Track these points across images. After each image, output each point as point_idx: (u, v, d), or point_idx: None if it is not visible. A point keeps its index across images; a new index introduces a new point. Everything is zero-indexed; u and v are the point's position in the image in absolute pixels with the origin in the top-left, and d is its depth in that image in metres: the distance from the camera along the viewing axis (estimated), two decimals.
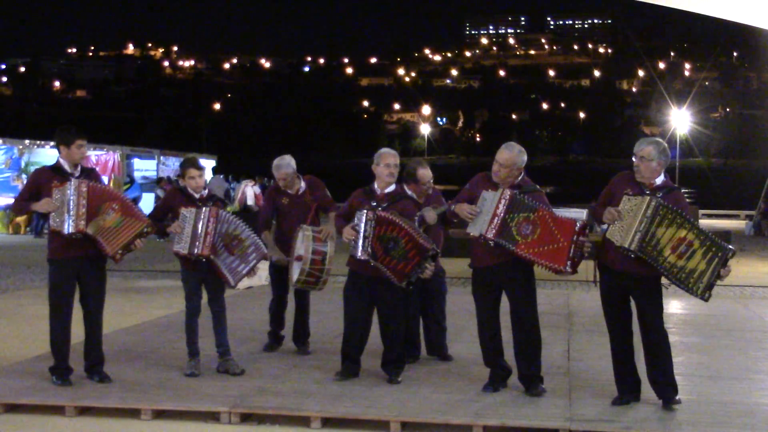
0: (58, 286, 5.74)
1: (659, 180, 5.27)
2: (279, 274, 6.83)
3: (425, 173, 6.42)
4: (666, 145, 5.32)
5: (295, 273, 6.43)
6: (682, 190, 5.32)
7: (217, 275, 6.03)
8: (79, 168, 5.81)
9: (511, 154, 5.48)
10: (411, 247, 5.60)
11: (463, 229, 5.74)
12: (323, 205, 6.89)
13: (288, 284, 6.78)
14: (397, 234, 5.61)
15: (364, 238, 5.66)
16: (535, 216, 5.29)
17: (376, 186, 5.97)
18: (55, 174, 5.72)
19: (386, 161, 5.91)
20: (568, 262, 5.28)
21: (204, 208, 5.91)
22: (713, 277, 4.97)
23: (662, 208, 4.99)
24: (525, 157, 5.54)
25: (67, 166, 5.76)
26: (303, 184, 6.87)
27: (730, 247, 5.03)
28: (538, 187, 5.64)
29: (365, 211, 5.73)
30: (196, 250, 5.85)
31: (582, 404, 5.32)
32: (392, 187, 5.96)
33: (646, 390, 5.38)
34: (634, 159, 5.29)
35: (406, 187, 6.38)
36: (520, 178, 5.56)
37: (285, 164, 6.77)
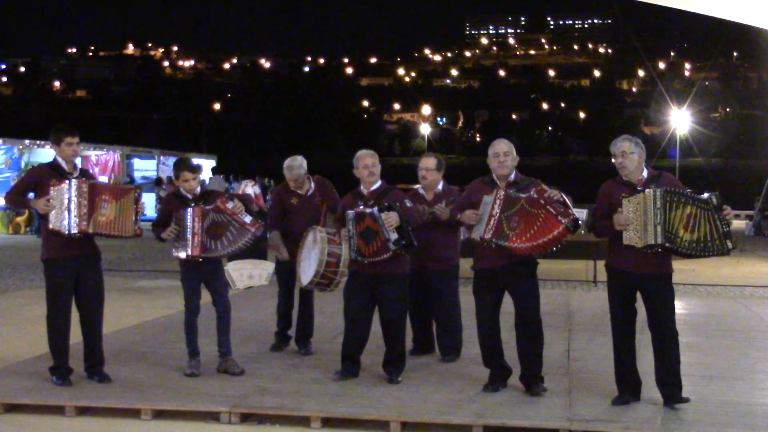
0: (57, 286, 5.72)
1: (645, 174, 5.32)
2: (286, 273, 6.83)
3: (424, 162, 6.54)
4: (638, 139, 5.36)
5: (306, 274, 6.42)
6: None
7: (219, 275, 6.07)
8: (78, 168, 5.82)
9: (507, 143, 5.65)
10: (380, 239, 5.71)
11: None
12: (333, 206, 6.91)
13: (292, 284, 6.79)
14: (369, 225, 5.69)
15: (349, 238, 5.77)
16: (518, 207, 5.33)
17: (362, 187, 6.02)
18: (53, 172, 5.71)
19: (364, 162, 5.98)
20: (560, 218, 5.18)
21: (188, 209, 5.92)
22: (722, 227, 5.03)
23: (667, 194, 5.04)
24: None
25: (64, 165, 5.76)
26: (312, 185, 6.89)
27: (709, 195, 5.09)
28: (533, 179, 5.65)
29: (350, 211, 5.81)
30: (188, 252, 5.87)
31: (582, 404, 5.32)
32: (377, 185, 6.01)
33: (646, 390, 5.39)
34: (614, 160, 5.33)
35: (419, 188, 6.64)
36: (514, 175, 5.59)
37: (297, 165, 6.80)
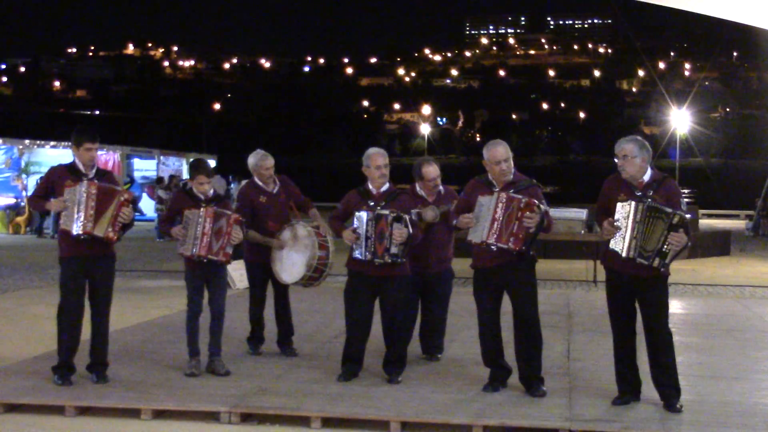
0: (67, 284, 5.77)
1: (647, 176, 5.27)
2: (260, 274, 6.77)
3: (429, 170, 6.45)
4: (645, 141, 5.30)
5: (290, 271, 6.42)
6: (684, 191, 5.30)
7: (222, 275, 6.11)
8: (94, 169, 5.85)
9: (504, 147, 5.58)
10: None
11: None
12: (300, 204, 6.89)
13: (266, 284, 6.76)
14: (383, 228, 5.71)
15: (366, 238, 5.72)
16: (512, 208, 5.34)
17: (370, 186, 5.99)
18: (69, 173, 5.78)
19: (376, 163, 5.93)
20: (511, 239, 5.30)
21: (201, 210, 5.95)
22: (662, 244, 4.97)
23: (649, 210, 5.03)
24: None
25: (81, 167, 5.81)
26: (277, 183, 6.84)
27: (674, 212, 4.98)
28: (534, 181, 5.65)
29: (364, 212, 5.76)
30: (195, 251, 5.90)
31: (582, 404, 5.32)
32: (386, 186, 5.98)
33: (646, 390, 5.38)
34: (616, 160, 5.30)
35: (417, 185, 6.49)
36: (513, 175, 5.59)
37: (264, 155, 6.72)
